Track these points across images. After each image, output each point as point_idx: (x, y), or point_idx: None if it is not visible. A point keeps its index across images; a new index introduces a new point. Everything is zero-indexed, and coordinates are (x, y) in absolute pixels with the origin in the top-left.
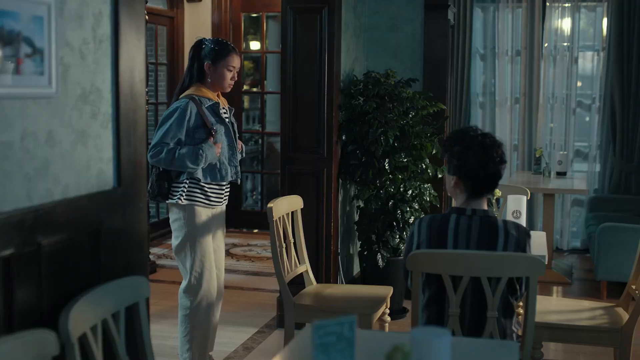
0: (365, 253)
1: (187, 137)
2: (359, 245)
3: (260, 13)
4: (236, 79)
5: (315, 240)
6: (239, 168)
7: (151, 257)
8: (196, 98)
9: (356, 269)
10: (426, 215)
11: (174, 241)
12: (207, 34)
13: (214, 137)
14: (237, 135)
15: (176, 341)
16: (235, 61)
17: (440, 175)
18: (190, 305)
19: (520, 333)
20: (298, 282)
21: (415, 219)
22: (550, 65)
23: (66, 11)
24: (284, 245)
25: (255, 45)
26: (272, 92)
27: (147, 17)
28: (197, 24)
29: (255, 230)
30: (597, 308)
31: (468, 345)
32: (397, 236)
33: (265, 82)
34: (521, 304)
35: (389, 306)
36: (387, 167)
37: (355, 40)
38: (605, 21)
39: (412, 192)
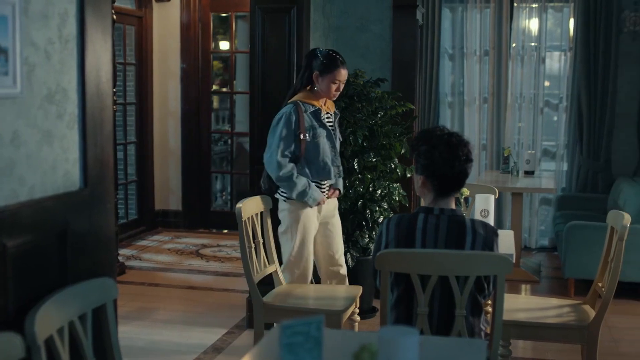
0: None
1: None
2: None
3: (229, 13)
4: (341, 89)
5: None
6: (341, 168)
7: (120, 258)
8: (300, 104)
9: None
10: (394, 215)
11: (280, 227)
12: (176, 34)
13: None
14: (339, 139)
15: (145, 343)
16: (342, 75)
17: (409, 175)
18: (290, 281)
19: (488, 331)
20: (267, 282)
21: (384, 219)
22: (518, 65)
23: (31, 11)
24: (253, 245)
25: (224, 45)
26: (241, 92)
27: (114, 16)
28: (166, 23)
29: (225, 231)
30: (565, 306)
31: (436, 344)
32: (367, 236)
33: (234, 82)
34: (490, 302)
35: (358, 305)
36: (356, 167)
37: (324, 41)
38: (572, 21)
39: (381, 191)
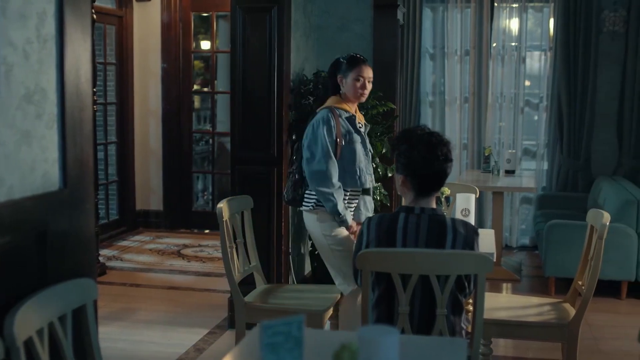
0: (316, 252)
1: None
2: (310, 244)
3: (210, 13)
4: (367, 87)
5: (266, 240)
6: (373, 176)
7: (101, 259)
8: (334, 108)
9: (307, 268)
10: (375, 214)
11: (320, 240)
12: (157, 34)
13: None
14: (370, 151)
15: (126, 344)
16: (364, 71)
17: (390, 175)
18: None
19: (469, 330)
20: (249, 282)
21: (365, 218)
22: (499, 64)
23: (9, 10)
24: (234, 245)
25: (205, 44)
26: (222, 92)
27: (95, 16)
28: (147, 23)
29: (207, 231)
30: (545, 304)
31: (417, 343)
32: None
33: (215, 81)
34: (470, 301)
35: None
36: None
37: (305, 40)
38: (552, 21)
39: None
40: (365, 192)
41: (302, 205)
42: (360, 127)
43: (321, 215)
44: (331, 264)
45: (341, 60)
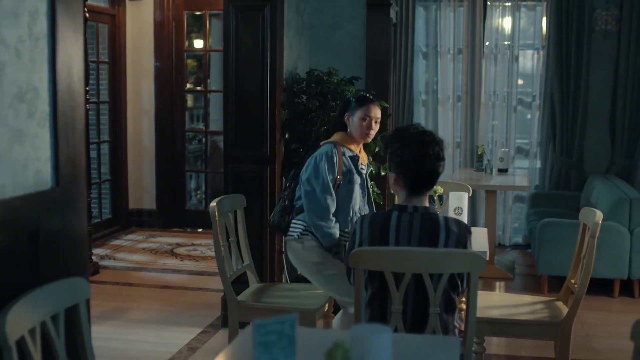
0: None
1: None
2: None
3: (203, 11)
4: (374, 127)
5: (259, 239)
6: None
7: (94, 258)
8: (339, 145)
9: None
10: (368, 213)
11: (313, 279)
12: (150, 32)
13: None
14: (370, 195)
15: (119, 343)
16: (371, 110)
17: (383, 173)
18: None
19: (462, 328)
20: (242, 281)
21: (358, 217)
22: (492, 63)
23: (1, 8)
24: (227, 244)
25: (198, 43)
26: (215, 91)
27: (87, 15)
28: (139, 22)
29: (200, 230)
30: (538, 302)
31: (410, 342)
32: None
33: (208, 80)
34: (463, 299)
35: (333, 304)
36: None
37: (297, 39)
38: (544, 20)
39: None
40: None
41: (286, 233)
42: (362, 169)
43: (307, 243)
44: (333, 290)
45: (351, 99)
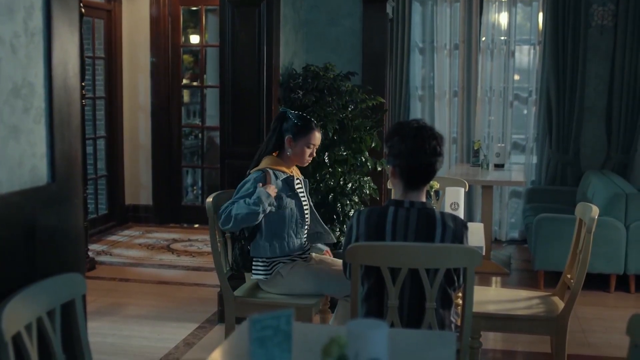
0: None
1: None
2: None
3: (199, 7)
4: (314, 155)
5: None
6: (305, 241)
7: (90, 253)
8: (270, 171)
9: None
10: (365, 208)
11: (303, 291)
12: (146, 28)
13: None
14: (311, 209)
15: (116, 338)
16: (316, 139)
17: (379, 168)
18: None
19: (459, 323)
20: (238, 276)
21: (354, 212)
22: (488, 58)
23: None
24: (223, 239)
25: (194, 39)
26: (211, 86)
27: (83, 10)
28: (136, 17)
29: (196, 225)
30: (534, 297)
31: (406, 337)
32: (338, 229)
33: (205, 76)
34: (460, 294)
35: (329, 299)
36: (326, 161)
37: (294, 34)
38: (541, 15)
39: (352, 185)
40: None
41: (254, 274)
42: (298, 186)
43: (278, 273)
44: (323, 287)
45: (293, 120)
